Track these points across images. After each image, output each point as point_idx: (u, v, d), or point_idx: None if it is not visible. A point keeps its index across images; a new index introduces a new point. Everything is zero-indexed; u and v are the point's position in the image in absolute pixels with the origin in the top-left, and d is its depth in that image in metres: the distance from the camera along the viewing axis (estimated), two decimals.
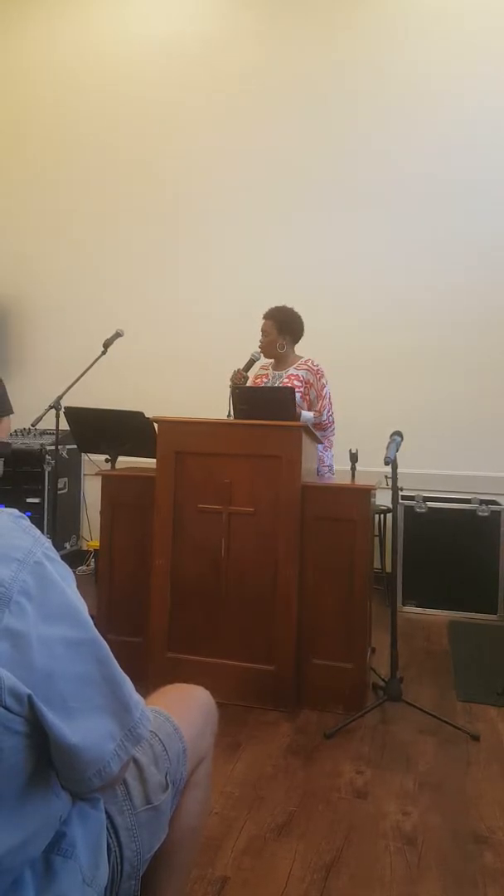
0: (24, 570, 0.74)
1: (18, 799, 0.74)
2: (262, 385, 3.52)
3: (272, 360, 3.56)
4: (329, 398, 3.45)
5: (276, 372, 3.51)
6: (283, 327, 3.45)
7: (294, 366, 3.47)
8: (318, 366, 3.44)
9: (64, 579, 0.78)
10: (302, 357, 3.51)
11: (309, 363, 3.45)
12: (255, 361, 3.36)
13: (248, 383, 3.46)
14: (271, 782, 2.08)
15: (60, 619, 0.76)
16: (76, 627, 0.77)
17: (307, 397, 3.38)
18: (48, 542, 0.79)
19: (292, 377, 3.40)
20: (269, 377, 3.52)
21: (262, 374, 3.58)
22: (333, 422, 3.49)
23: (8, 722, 0.70)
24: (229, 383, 3.26)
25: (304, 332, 3.53)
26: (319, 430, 3.37)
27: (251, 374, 3.48)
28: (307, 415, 3.29)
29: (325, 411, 3.42)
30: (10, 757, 0.71)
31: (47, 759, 0.77)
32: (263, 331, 3.47)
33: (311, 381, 3.40)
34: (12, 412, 3.96)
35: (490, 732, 2.45)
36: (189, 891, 1.53)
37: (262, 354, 3.44)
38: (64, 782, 0.80)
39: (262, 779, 2.09)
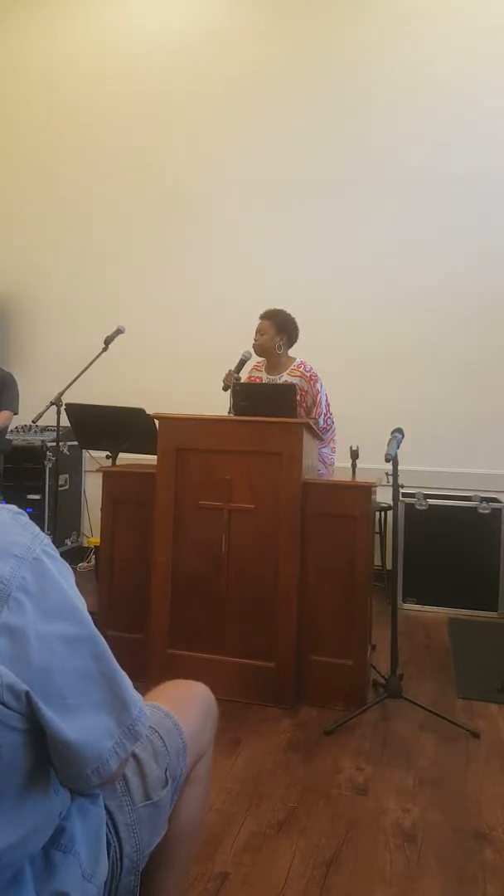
0: (23, 567, 0.74)
1: (18, 795, 0.74)
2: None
3: (264, 361, 3.52)
4: (325, 401, 3.42)
5: (271, 376, 3.48)
6: (281, 328, 3.43)
7: (287, 371, 3.44)
8: (310, 370, 3.41)
9: (62, 576, 0.78)
10: (295, 360, 3.48)
11: (302, 368, 3.42)
12: (245, 361, 3.32)
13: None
14: (271, 778, 2.08)
15: (59, 615, 0.76)
16: (74, 624, 0.77)
17: (303, 404, 3.36)
18: (47, 539, 0.79)
19: (286, 383, 3.38)
20: (264, 381, 3.49)
21: (255, 375, 3.54)
22: (333, 423, 3.47)
23: (6, 718, 0.70)
24: (222, 385, 3.24)
25: (298, 337, 3.51)
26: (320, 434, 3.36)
27: (243, 374, 3.45)
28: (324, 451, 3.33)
29: (322, 417, 3.39)
30: (8, 753, 0.72)
31: (46, 755, 0.77)
32: (260, 330, 3.43)
33: (306, 388, 3.37)
34: (17, 412, 4.03)
35: (490, 729, 2.45)
36: (189, 886, 1.53)
37: (252, 353, 3.39)
38: (62, 779, 0.80)
39: (262, 775, 2.10)
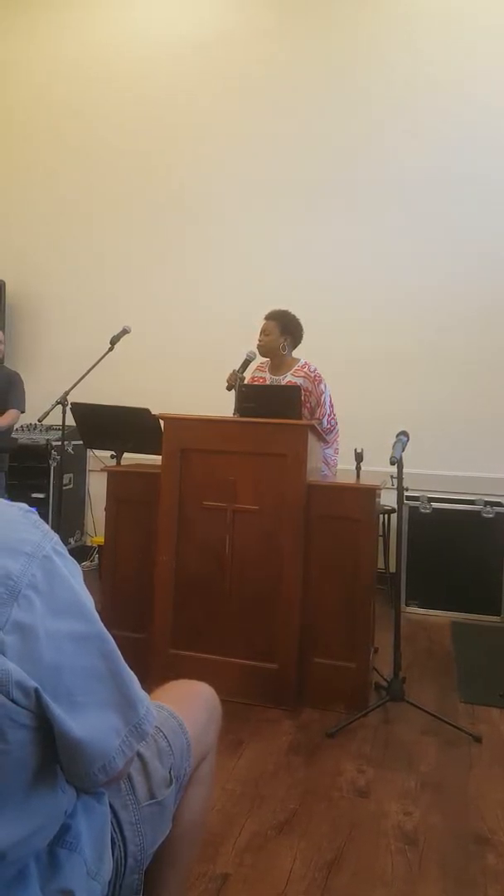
0: (33, 564, 0.74)
1: (25, 792, 0.75)
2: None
3: (268, 361, 3.51)
4: (329, 402, 3.42)
5: (274, 377, 3.46)
6: (286, 329, 3.41)
7: (291, 371, 3.42)
8: (315, 371, 3.40)
9: (72, 574, 0.79)
10: (299, 360, 3.46)
11: (306, 369, 3.41)
12: (249, 361, 3.31)
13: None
14: (273, 780, 2.08)
15: (68, 613, 0.76)
16: (83, 622, 0.78)
17: (307, 404, 3.35)
18: (57, 537, 0.80)
19: (291, 384, 3.38)
20: (268, 381, 3.47)
21: (258, 376, 3.52)
22: (336, 424, 3.48)
23: (15, 715, 0.70)
24: (226, 385, 3.24)
25: (302, 338, 3.51)
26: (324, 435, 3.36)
27: (247, 374, 3.45)
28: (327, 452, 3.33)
29: (325, 418, 3.39)
30: (17, 750, 0.72)
31: (53, 753, 0.77)
32: (264, 330, 3.41)
33: (310, 388, 3.36)
34: (24, 411, 4.03)
35: (492, 734, 2.45)
36: (190, 887, 1.53)
37: (256, 354, 3.38)
38: (69, 777, 0.81)
39: (264, 776, 2.10)
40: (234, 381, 3.22)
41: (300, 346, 3.54)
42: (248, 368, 3.36)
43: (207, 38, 5.06)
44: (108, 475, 3.00)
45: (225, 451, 2.72)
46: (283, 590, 2.64)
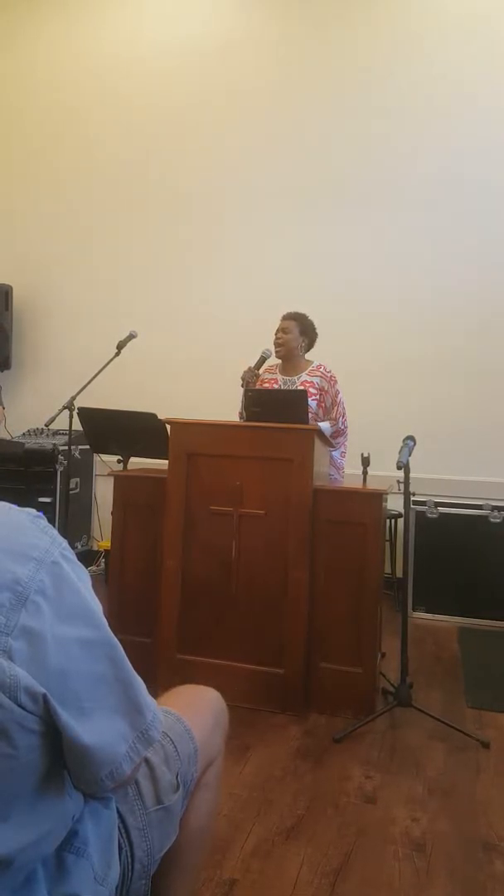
0: (42, 570, 0.74)
1: (33, 797, 0.75)
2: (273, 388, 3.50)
3: (279, 363, 3.53)
4: (343, 404, 3.44)
5: (288, 377, 3.47)
6: (304, 330, 3.45)
7: (307, 372, 3.44)
8: (330, 372, 3.43)
9: (80, 579, 0.79)
10: (312, 362, 3.49)
11: (322, 369, 3.43)
12: (265, 359, 3.33)
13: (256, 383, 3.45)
14: (280, 785, 2.07)
15: (76, 619, 0.76)
16: (91, 628, 0.78)
17: (322, 404, 3.36)
18: (65, 543, 0.80)
19: (306, 384, 3.38)
20: (280, 382, 3.48)
21: (269, 377, 3.52)
22: (347, 426, 3.49)
23: (23, 720, 0.71)
24: (241, 381, 3.26)
25: (315, 344, 3.54)
26: (336, 437, 3.36)
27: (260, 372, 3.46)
28: (324, 426, 3.29)
29: (341, 418, 3.41)
30: (25, 755, 0.72)
31: (61, 758, 0.77)
32: (284, 329, 3.43)
33: (326, 388, 3.38)
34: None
35: (500, 739, 2.43)
36: (197, 892, 1.53)
37: (271, 352, 3.39)
38: (76, 782, 0.81)
39: (271, 781, 2.09)
40: (250, 378, 3.24)
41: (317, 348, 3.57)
42: (262, 367, 3.38)
43: (212, 45, 5.09)
44: (115, 479, 3.01)
45: (231, 456, 2.72)
46: (289, 594, 2.63)
